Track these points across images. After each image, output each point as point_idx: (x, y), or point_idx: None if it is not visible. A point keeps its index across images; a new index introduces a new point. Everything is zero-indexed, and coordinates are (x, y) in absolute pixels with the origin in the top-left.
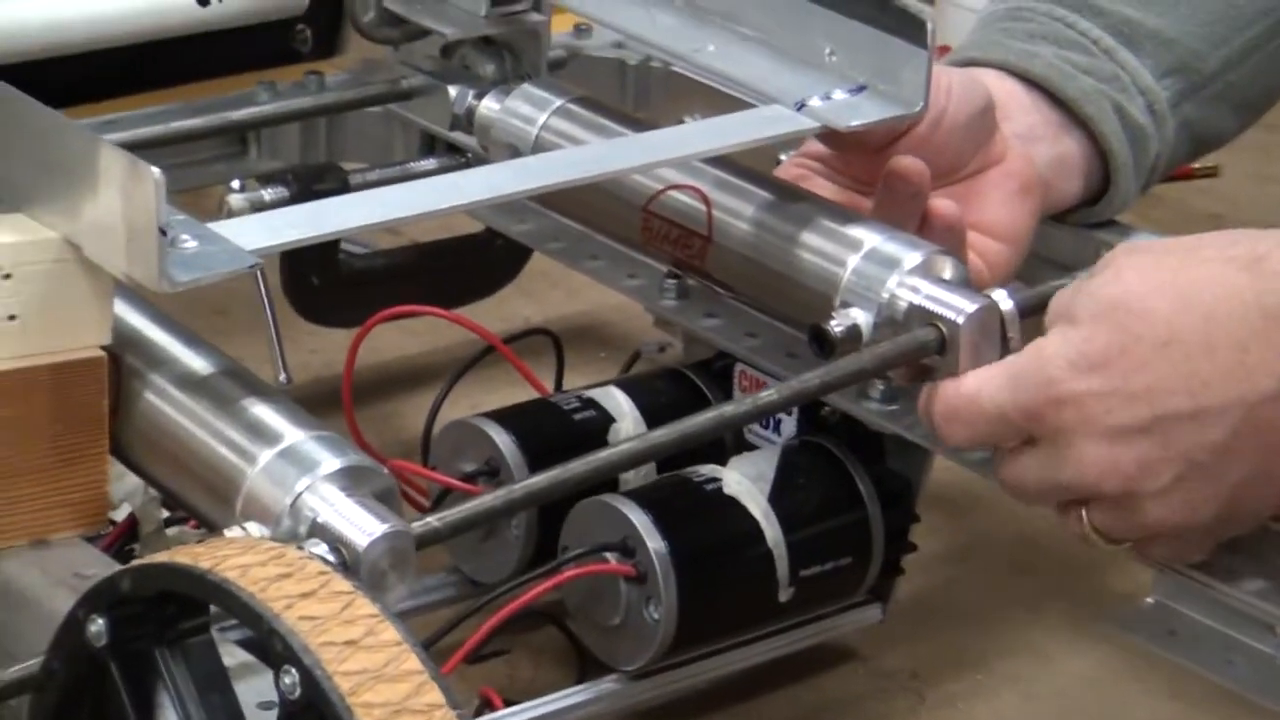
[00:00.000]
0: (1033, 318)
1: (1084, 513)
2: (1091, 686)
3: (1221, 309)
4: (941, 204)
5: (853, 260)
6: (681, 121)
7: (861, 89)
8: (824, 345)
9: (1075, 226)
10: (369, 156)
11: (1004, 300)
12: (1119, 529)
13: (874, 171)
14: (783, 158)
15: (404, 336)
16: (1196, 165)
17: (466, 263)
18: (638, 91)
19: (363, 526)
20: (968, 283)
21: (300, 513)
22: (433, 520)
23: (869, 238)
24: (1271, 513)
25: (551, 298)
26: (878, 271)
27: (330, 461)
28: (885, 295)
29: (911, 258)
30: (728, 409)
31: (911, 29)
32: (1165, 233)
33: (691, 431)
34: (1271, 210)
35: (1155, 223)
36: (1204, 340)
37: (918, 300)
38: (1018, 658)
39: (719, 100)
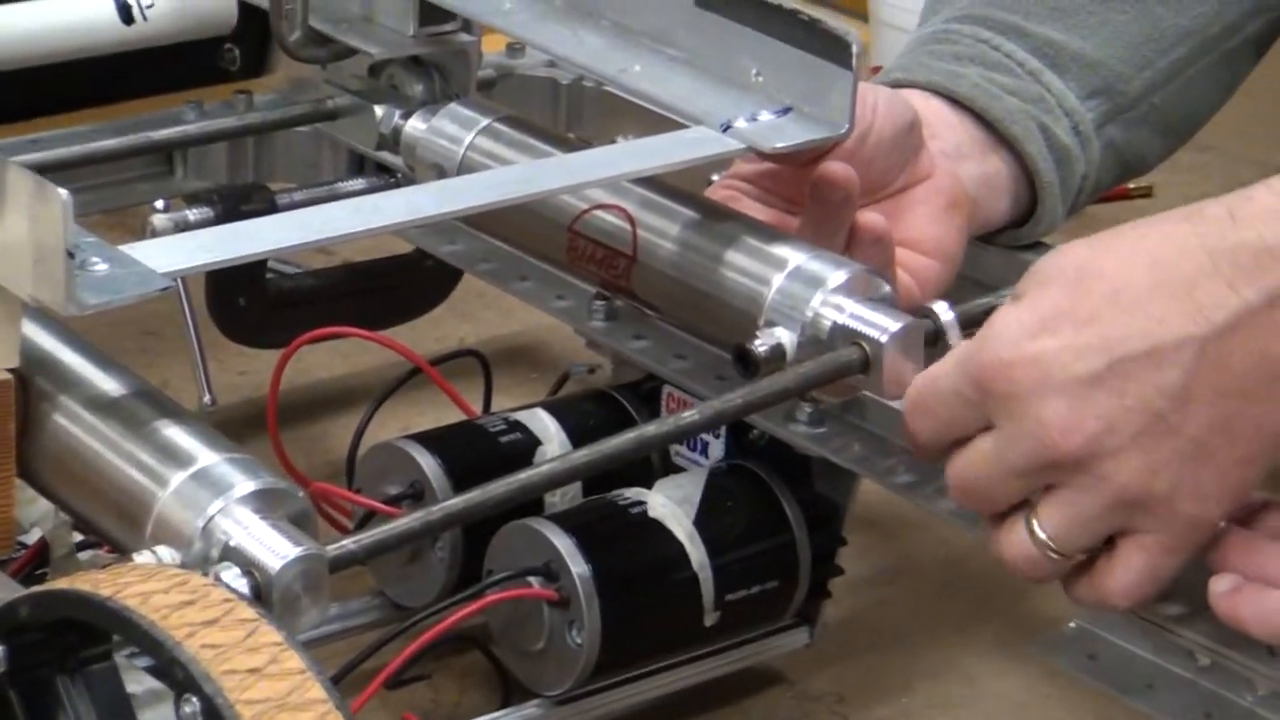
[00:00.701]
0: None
1: (1034, 521)
2: (1017, 710)
3: (1166, 253)
4: (869, 217)
5: (777, 279)
6: (614, 141)
7: (788, 110)
8: (748, 365)
9: (1003, 248)
10: (298, 176)
11: (945, 311)
12: (1076, 524)
13: (803, 191)
14: (715, 179)
15: (333, 357)
16: (1132, 186)
17: (396, 283)
18: (570, 111)
19: (275, 549)
20: (893, 302)
21: (212, 536)
22: (348, 543)
23: (793, 256)
24: (1230, 499)
25: (485, 318)
26: (802, 290)
27: (244, 484)
28: (809, 314)
29: (836, 276)
30: (649, 429)
31: (836, 51)
32: None
33: (612, 452)
34: None
35: None
36: (1151, 283)
37: (841, 319)
38: (944, 681)
39: (653, 120)
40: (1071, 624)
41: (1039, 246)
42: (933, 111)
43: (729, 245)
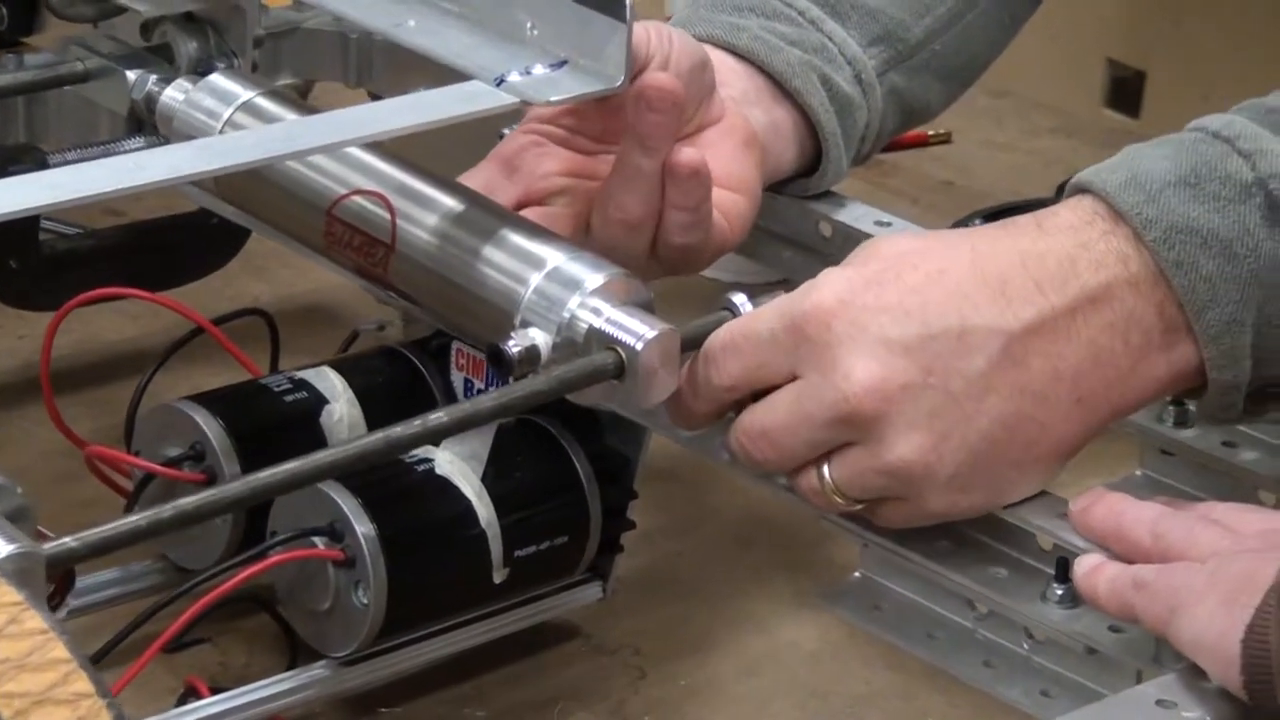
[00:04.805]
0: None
1: (824, 468)
2: (812, 659)
3: (985, 248)
4: (686, 152)
5: (534, 279)
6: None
7: (563, 64)
8: (501, 365)
9: (793, 197)
10: (74, 137)
11: (744, 303)
12: (858, 480)
13: (609, 126)
14: (506, 132)
15: (122, 320)
16: (930, 133)
17: (181, 242)
18: (360, 65)
19: None
20: (651, 306)
21: None
22: (69, 540)
23: (553, 256)
24: (989, 499)
25: (281, 276)
26: (559, 292)
27: None
28: (566, 316)
29: (594, 279)
30: (396, 430)
31: (610, 4)
32: (899, 200)
33: (360, 451)
34: (1002, 176)
35: (891, 191)
36: (972, 272)
37: (598, 323)
38: (740, 631)
39: (445, 74)
40: (856, 574)
41: (828, 196)
42: (718, 61)
43: (489, 240)
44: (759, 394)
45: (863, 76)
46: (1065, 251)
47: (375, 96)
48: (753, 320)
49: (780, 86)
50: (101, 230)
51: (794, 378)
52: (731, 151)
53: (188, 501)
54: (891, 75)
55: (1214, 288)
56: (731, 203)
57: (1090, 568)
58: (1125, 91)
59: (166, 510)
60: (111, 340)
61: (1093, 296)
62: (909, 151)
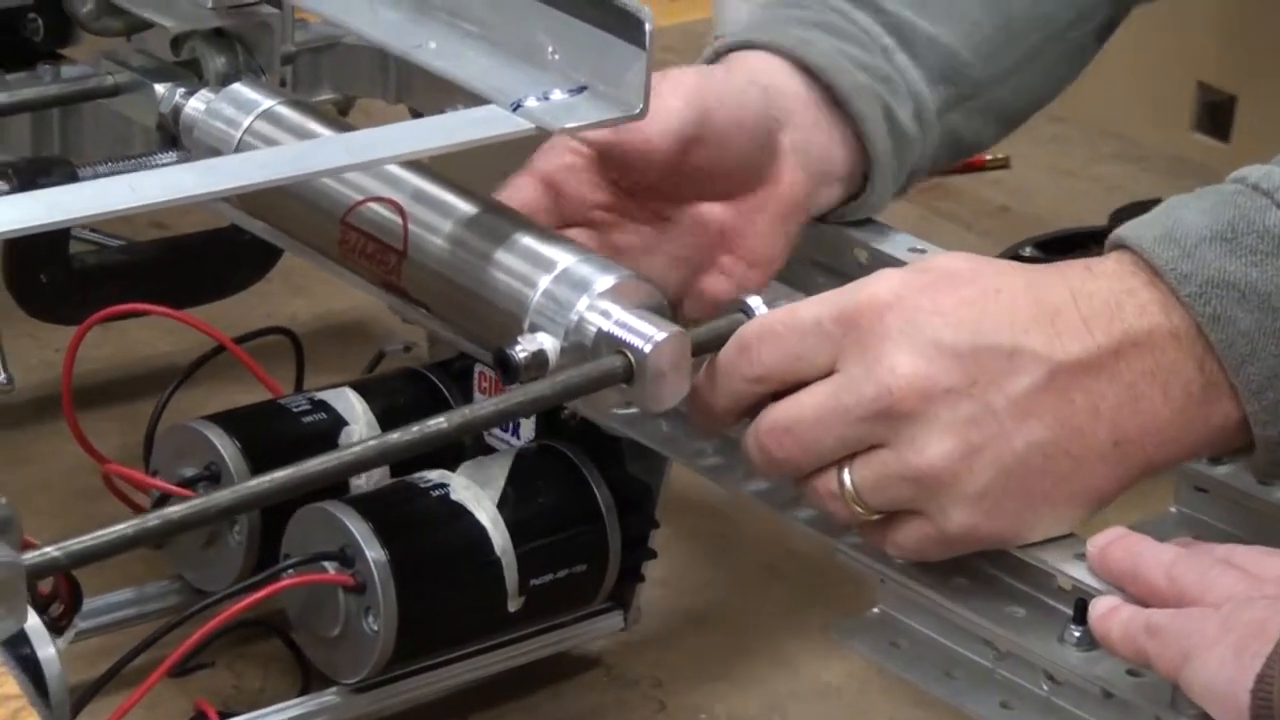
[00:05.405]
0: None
1: (845, 469)
2: (836, 695)
3: (1038, 279)
4: (714, 283)
5: (543, 281)
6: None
7: (582, 89)
8: (507, 370)
9: (830, 224)
10: (108, 150)
11: (759, 305)
12: (879, 486)
13: (647, 176)
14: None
15: (156, 333)
16: (988, 157)
17: (213, 257)
18: (400, 82)
19: None
20: (664, 309)
21: None
22: (51, 550)
23: (563, 258)
24: (1012, 531)
25: (319, 292)
26: (567, 294)
27: None
28: (574, 319)
29: (603, 281)
30: (392, 437)
31: (630, 29)
32: (952, 224)
33: (352, 460)
34: (1061, 203)
35: (944, 215)
36: (1026, 297)
37: (606, 326)
38: (763, 664)
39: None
40: (875, 609)
41: (866, 223)
42: (779, 77)
43: (499, 244)
44: (778, 395)
45: (923, 115)
46: (1112, 294)
47: (415, 113)
48: (796, 309)
49: (841, 112)
50: (132, 245)
51: (830, 373)
52: (767, 225)
53: (174, 510)
54: (951, 115)
55: (1253, 342)
56: (744, 276)
57: (1105, 610)
58: (1216, 115)
59: (152, 519)
60: (145, 354)
61: (1136, 340)
62: (964, 176)
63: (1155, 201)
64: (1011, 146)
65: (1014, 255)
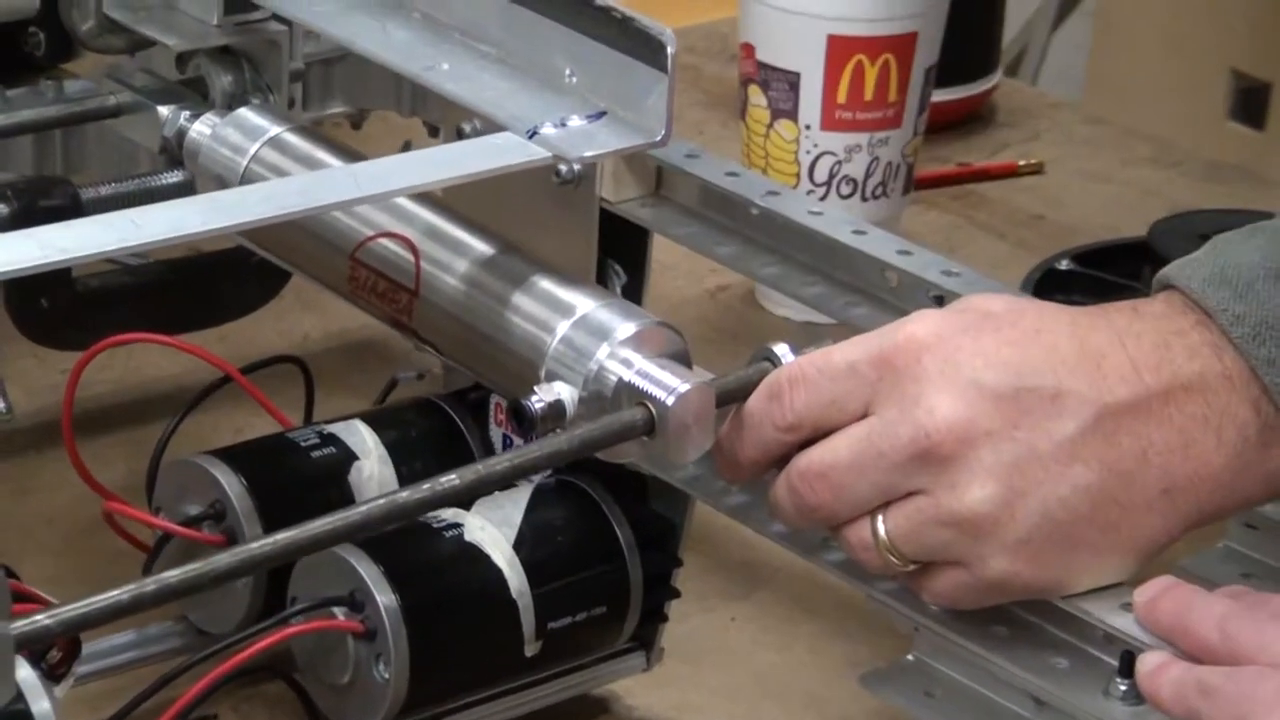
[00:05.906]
0: None
1: (879, 517)
2: None
3: (1082, 320)
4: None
5: (562, 327)
6: (460, 129)
7: (602, 115)
8: (523, 422)
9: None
10: (113, 168)
11: (786, 354)
12: (915, 534)
13: None
14: None
15: (163, 357)
16: (1021, 163)
17: (220, 280)
18: (414, 95)
19: None
20: (687, 359)
21: None
22: (41, 618)
23: (582, 303)
24: (1067, 583)
25: (334, 310)
26: (587, 341)
27: None
28: (593, 368)
29: (625, 328)
30: (402, 495)
31: (650, 52)
32: (986, 234)
33: (360, 520)
34: (1096, 209)
35: (978, 225)
36: (1070, 339)
37: (627, 376)
38: (791, 705)
39: None
40: (910, 656)
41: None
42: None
43: (516, 286)
44: (808, 443)
45: None
46: (1160, 335)
47: (431, 127)
48: (828, 353)
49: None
50: (138, 266)
51: (864, 417)
52: None
53: (172, 575)
54: None
55: None
56: None
57: (1154, 667)
58: (1251, 103)
59: (149, 584)
60: (151, 376)
61: (1186, 384)
62: (998, 183)
63: (1195, 214)
64: (1044, 150)
65: (1050, 269)
